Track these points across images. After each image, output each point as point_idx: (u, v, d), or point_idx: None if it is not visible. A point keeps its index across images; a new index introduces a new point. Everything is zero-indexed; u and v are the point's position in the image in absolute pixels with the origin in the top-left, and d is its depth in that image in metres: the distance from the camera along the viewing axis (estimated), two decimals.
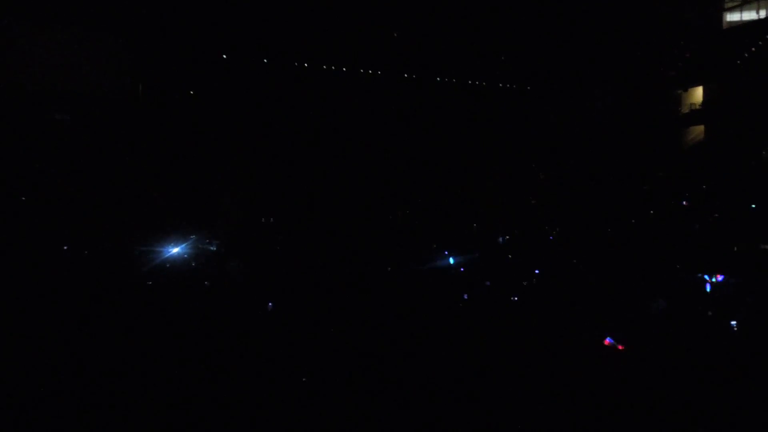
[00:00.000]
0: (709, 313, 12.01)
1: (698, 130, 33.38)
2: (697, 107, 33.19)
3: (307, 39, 24.93)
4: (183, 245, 18.55)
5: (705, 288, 13.98)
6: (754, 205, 23.39)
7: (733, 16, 34.12)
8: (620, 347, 9.81)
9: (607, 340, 9.88)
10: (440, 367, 9.40)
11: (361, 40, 26.04)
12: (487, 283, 15.10)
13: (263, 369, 9.23)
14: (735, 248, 18.23)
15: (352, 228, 23.10)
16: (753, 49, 30.66)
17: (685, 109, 33.51)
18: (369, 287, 14.97)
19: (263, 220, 24.50)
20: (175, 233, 19.31)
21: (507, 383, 8.67)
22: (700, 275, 14.66)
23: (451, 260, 15.30)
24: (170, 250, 17.85)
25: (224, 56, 23.82)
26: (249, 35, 23.95)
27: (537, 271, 16.31)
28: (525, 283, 15.39)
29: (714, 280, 13.88)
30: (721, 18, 34.08)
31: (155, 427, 7.35)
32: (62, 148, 21.58)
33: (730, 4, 34.22)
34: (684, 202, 26.02)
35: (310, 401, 8.13)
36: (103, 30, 21.84)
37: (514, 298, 13.94)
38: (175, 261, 17.59)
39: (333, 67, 25.65)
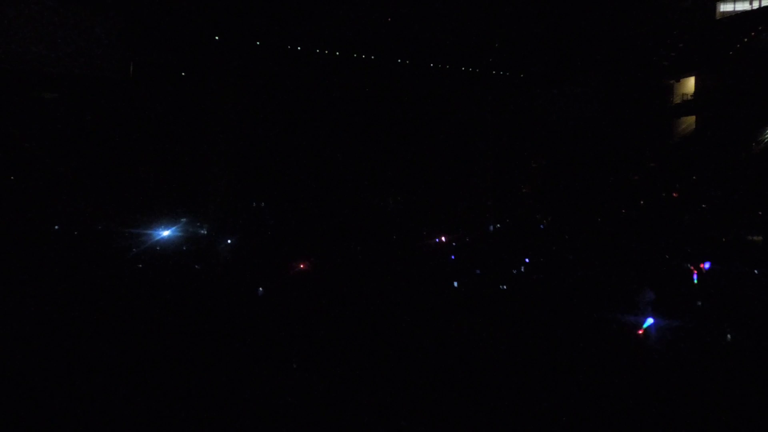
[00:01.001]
0: (699, 303, 12.14)
1: (689, 121, 33.47)
2: (689, 98, 33.24)
3: (300, 23, 24.70)
4: (174, 228, 18.52)
5: (692, 278, 14.11)
6: (743, 196, 23.56)
7: (726, 7, 34.13)
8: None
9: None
10: (431, 352, 9.46)
11: (354, 25, 25.82)
12: (477, 271, 15.17)
13: (253, 353, 9.26)
14: (723, 239, 18.40)
15: (343, 214, 23.11)
16: (745, 39, 30.69)
17: (677, 100, 33.56)
18: (360, 273, 15.01)
19: (254, 204, 24.44)
20: (166, 216, 19.26)
21: (496, 369, 8.74)
22: (688, 265, 14.80)
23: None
24: (161, 232, 17.82)
25: (216, 38, 23.57)
26: (242, 18, 23.69)
27: (527, 260, 16.40)
28: (515, 272, 15.48)
29: (701, 269, 14.01)
30: (714, 8, 34.08)
31: (146, 408, 7.36)
32: (52, 128, 21.35)
33: None
34: (674, 193, 26.17)
35: (299, 385, 8.17)
36: (95, 9, 21.53)
37: (503, 286, 14.02)
38: (166, 244, 17.57)
39: (326, 52, 25.44)
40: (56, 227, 17.15)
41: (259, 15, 23.81)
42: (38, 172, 19.90)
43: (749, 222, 19.98)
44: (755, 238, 18.38)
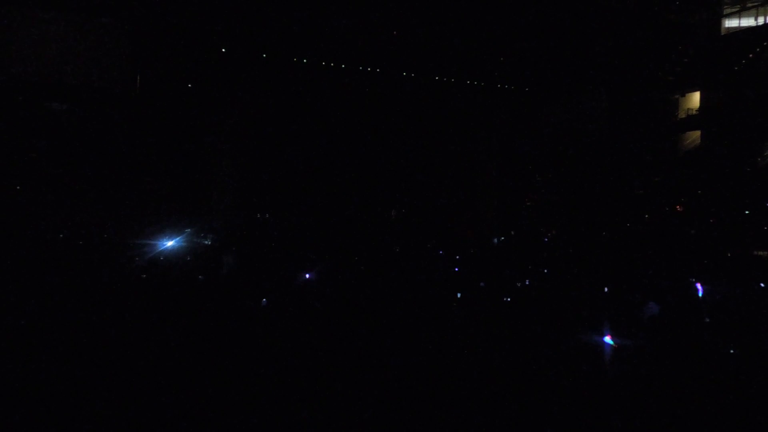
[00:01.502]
0: (707, 320, 12.04)
1: (695, 136, 33.49)
2: (694, 112, 33.30)
3: (306, 35, 24.88)
4: (178, 239, 18.52)
5: (697, 293, 14.00)
6: (748, 211, 23.52)
7: (731, 23, 34.26)
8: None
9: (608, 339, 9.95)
10: (433, 367, 9.42)
11: (359, 37, 25.98)
12: (482, 284, 15.11)
13: (257, 366, 9.23)
14: (729, 254, 18.32)
15: (346, 225, 23.14)
16: (751, 55, 30.78)
17: (682, 114, 33.62)
18: (363, 285, 14.97)
19: (258, 215, 24.51)
20: (171, 226, 19.29)
21: (499, 384, 8.69)
22: (693, 280, 14.70)
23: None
24: (165, 243, 17.83)
25: (223, 50, 23.75)
26: (248, 30, 23.88)
27: (532, 272, 16.36)
28: (519, 285, 15.42)
29: (706, 286, 13.88)
30: (719, 24, 34.22)
31: (147, 421, 7.34)
32: (59, 139, 21.50)
33: (728, 11, 34.37)
34: (679, 207, 26.12)
35: (303, 399, 8.13)
36: (102, 19, 21.72)
37: (507, 299, 13.96)
38: (170, 254, 17.57)
39: (332, 64, 25.60)
40: (61, 236, 17.19)
41: (265, 28, 23.99)
42: (44, 183, 20.02)
43: (755, 236, 19.92)
44: (761, 252, 18.31)
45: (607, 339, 9.76)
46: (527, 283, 15.70)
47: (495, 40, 28.85)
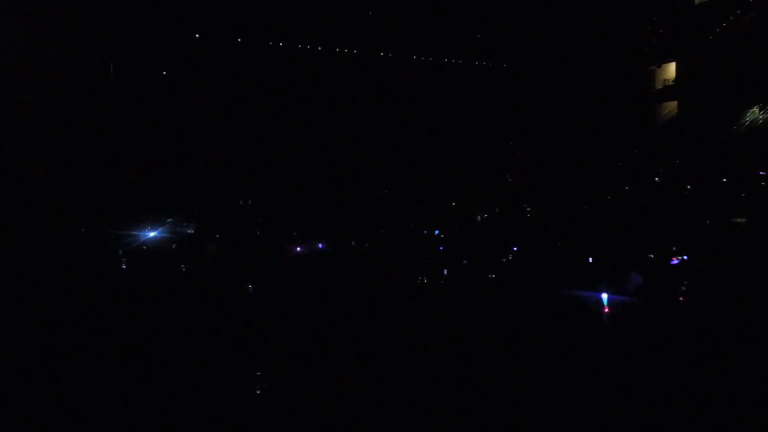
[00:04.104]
0: (683, 288, 12.23)
1: (672, 106, 33.65)
2: (671, 83, 33.43)
3: (281, 18, 24.62)
4: (160, 228, 18.38)
5: (675, 262, 14.22)
6: (725, 179, 23.78)
7: None
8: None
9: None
10: (419, 342, 9.50)
11: (336, 18, 25.75)
12: (464, 261, 15.23)
13: (243, 352, 9.24)
14: (707, 222, 18.56)
15: (330, 208, 23.11)
16: (724, 24, 30.89)
17: (659, 85, 33.73)
18: (349, 267, 15.03)
19: (241, 202, 24.38)
20: (152, 216, 19.12)
21: (485, 358, 8.78)
22: (673, 249, 14.93)
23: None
24: (147, 233, 17.69)
25: (197, 36, 23.43)
26: (223, 14, 23.57)
27: (515, 249, 16.49)
28: (504, 260, 15.56)
29: (683, 257, 14.09)
30: None
31: (131, 407, 7.33)
32: (31, 131, 21.10)
33: None
34: (657, 179, 26.36)
35: (289, 382, 8.17)
36: (73, 7, 21.30)
37: (491, 275, 14.09)
38: (152, 244, 17.45)
39: (308, 47, 25.37)
40: (39, 229, 16.98)
41: (239, 12, 23.71)
42: (18, 176, 19.71)
43: (732, 203, 20.19)
44: (739, 219, 18.57)
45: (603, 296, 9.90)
46: (511, 258, 15.86)
47: (470, 16, 28.74)
